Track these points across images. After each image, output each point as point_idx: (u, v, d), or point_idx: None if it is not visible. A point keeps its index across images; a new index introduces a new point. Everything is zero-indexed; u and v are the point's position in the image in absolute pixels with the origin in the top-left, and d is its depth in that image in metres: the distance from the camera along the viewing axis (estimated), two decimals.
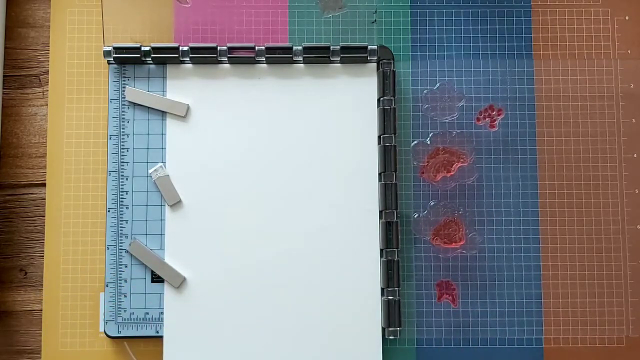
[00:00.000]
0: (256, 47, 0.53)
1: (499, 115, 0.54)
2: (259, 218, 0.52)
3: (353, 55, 0.53)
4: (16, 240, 0.54)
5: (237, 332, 0.51)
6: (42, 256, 0.53)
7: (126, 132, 0.53)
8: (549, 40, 0.55)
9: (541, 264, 0.53)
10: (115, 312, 0.52)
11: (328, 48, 0.53)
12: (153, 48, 0.53)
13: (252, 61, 0.53)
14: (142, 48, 0.53)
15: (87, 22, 0.55)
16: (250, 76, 0.54)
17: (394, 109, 0.53)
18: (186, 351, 0.51)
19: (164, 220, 0.52)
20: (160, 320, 0.52)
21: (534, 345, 0.52)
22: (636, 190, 0.54)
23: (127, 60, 0.53)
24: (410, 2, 0.55)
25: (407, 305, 0.53)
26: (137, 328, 0.52)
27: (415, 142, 0.54)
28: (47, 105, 0.55)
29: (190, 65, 0.54)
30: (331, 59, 0.53)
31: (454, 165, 0.53)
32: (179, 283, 0.51)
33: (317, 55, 0.53)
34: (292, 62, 0.53)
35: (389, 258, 0.51)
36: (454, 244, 0.53)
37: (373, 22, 0.55)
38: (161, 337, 0.51)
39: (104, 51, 0.53)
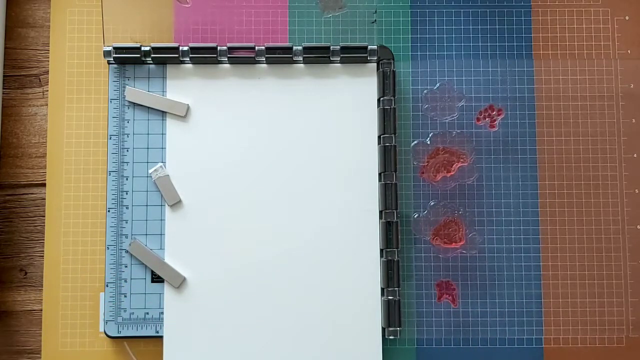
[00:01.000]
0: (256, 47, 0.53)
1: (499, 115, 0.54)
2: (259, 218, 0.52)
3: (353, 55, 0.53)
4: (16, 240, 0.54)
5: (237, 332, 0.51)
6: (42, 256, 0.53)
7: (126, 132, 0.53)
8: (549, 40, 0.55)
9: (541, 264, 0.53)
10: (115, 312, 0.52)
11: (328, 48, 0.53)
12: (153, 48, 0.53)
13: (252, 61, 0.53)
14: (142, 48, 0.53)
15: (87, 22, 0.55)
16: (250, 76, 0.54)
17: (394, 109, 0.53)
18: (186, 351, 0.51)
19: (164, 220, 0.52)
20: (160, 320, 0.52)
21: (534, 345, 0.52)
22: (636, 190, 0.54)
23: (127, 60, 0.53)
24: (410, 2, 0.55)
25: (407, 305, 0.53)
26: (137, 328, 0.52)
27: (415, 142, 0.54)
28: (47, 105, 0.55)
29: (190, 65, 0.54)
30: (331, 59, 0.53)
31: (454, 165, 0.53)
32: (179, 283, 0.51)
33: (317, 55, 0.53)
34: (292, 62, 0.53)
35: (389, 258, 0.51)
36: (454, 244, 0.53)
37: (373, 22, 0.55)
38: (161, 337, 0.51)
39: (104, 51, 0.53)
